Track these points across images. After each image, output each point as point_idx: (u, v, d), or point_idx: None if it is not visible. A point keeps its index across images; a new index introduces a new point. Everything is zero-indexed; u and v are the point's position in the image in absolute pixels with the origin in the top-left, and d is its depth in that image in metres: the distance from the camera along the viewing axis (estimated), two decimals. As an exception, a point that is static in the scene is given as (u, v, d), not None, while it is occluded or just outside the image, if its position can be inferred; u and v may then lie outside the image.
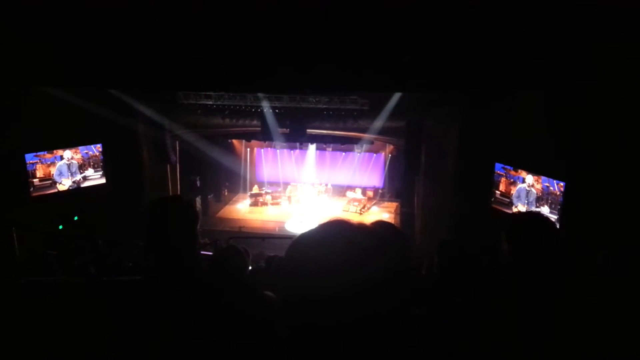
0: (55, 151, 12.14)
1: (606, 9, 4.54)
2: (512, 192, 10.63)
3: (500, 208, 11.07)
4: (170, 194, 14.85)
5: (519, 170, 10.39)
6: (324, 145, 19.36)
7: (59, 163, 12.26)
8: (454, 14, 4.81)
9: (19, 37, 5.41)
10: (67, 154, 12.40)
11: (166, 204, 2.00)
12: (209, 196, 18.62)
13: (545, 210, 9.55)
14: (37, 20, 5.19)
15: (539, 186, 9.92)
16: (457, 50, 5.32)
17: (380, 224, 1.96)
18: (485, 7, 4.71)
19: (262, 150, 20.78)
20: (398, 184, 17.91)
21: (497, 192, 11.13)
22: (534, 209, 9.86)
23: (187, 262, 1.94)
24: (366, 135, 15.02)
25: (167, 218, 1.91)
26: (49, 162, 12.03)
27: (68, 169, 12.46)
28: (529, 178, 10.14)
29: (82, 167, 12.77)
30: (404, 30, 5.04)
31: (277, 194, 19.64)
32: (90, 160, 12.99)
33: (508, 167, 10.72)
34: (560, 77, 5.64)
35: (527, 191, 10.19)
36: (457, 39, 5.15)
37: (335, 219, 1.03)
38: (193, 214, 1.97)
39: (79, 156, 12.65)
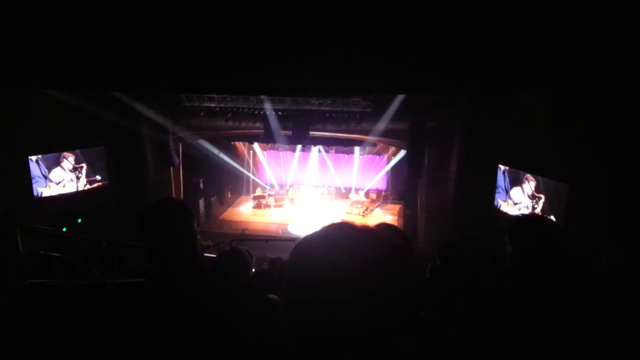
0: (58, 153, 12.17)
1: (607, 8, 4.53)
2: (515, 194, 10.63)
3: (503, 210, 11.06)
4: (174, 196, 14.87)
5: (522, 173, 10.39)
6: (327, 148, 19.37)
7: (63, 165, 12.30)
8: (455, 14, 4.81)
9: (20, 40, 5.43)
10: (71, 156, 12.44)
11: (158, 209, 1.98)
12: (212, 198, 18.63)
13: (548, 212, 9.53)
14: (38, 22, 5.20)
15: (541, 187, 9.91)
16: (459, 50, 5.32)
17: (383, 227, 1.97)
18: (486, 7, 4.70)
19: (265, 152, 20.80)
20: (401, 186, 17.89)
21: (500, 193, 11.13)
22: (537, 211, 9.84)
23: (188, 263, 1.94)
24: (369, 138, 15.01)
25: (161, 223, 1.91)
26: (53, 165, 12.07)
27: (71, 171, 12.50)
28: (533, 180, 10.13)
29: (85, 170, 12.81)
30: (404, 30, 5.04)
31: (280, 196, 19.65)
32: (94, 163, 13.02)
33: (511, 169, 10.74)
34: (561, 77, 5.63)
35: (531, 193, 10.18)
36: (457, 39, 5.15)
37: (338, 221, 1.02)
38: (186, 214, 1.96)
39: (82, 158, 12.69)
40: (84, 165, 12.73)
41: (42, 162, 11.85)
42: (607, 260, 3.80)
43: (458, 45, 5.21)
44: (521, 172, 10.40)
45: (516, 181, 10.57)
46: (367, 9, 4.72)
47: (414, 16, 4.80)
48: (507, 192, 10.89)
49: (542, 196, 9.84)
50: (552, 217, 9.03)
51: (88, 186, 12.89)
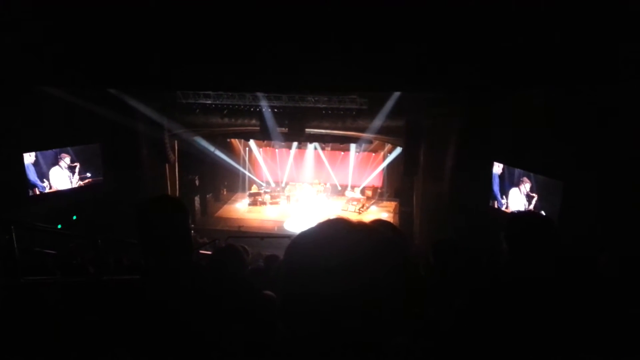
0: (55, 153, 12.12)
1: (606, 8, 4.54)
2: (511, 194, 10.67)
3: (499, 207, 11.09)
4: (169, 193, 14.84)
5: (519, 174, 10.42)
6: (323, 145, 19.36)
7: (60, 165, 12.26)
8: (454, 13, 4.81)
9: (17, 36, 5.40)
10: (66, 153, 12.39)
11: (153, 206, 1.98)
12: (207, 195, 18.60)
13: (543, 209, 9.56)
14: (35, 20, 5.18)
15: (535, 187, 9.95)
16: (458, 49, 5.32)
17: (379, 223, 1.97)
18: (486, 7, 4.71)
19: (261, 149, 20.78)
20: (397, 184, 17.90)
21: (496, 191, 11.16)
22: (532, 208, 9.88)
23: (184, 260, 1.94)
24: (365, 135, 15.01)
25: (156, 220, 1.91)
26: (50, 164, 12.02)
27: (67, 168, 12.46)
28: (528, 182, 10.16)
29: (80, 166, 12.76)
30: (403, 29, 5.04)
31: (276, 194, 19.63)
32: (89, 160, 12.98)
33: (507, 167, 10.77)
34: (561, 77, 5.65)
35: (526, 191, 10.21)
36: (457, 38, 5.15)
37: (334, 217, 1.02)
38: (182, 211, 1.96)
39: (76, 157, 12.64)
40: (77, 164, 12.69)
41: (40, 160, 11.80)
42: (603, 259, 3.81)
43: (457, 45, 5.21)
44: (517, 173, 10.44)
45: (512, 182, 10.61)
46: (367, 9, 4.72)
47: (413, 16, 4.81)
48: (503, 190, 10.93)
49: (535, 195, 9.89)
50: (552, 214, 9.05)
51: (80, 183, 12.84)
